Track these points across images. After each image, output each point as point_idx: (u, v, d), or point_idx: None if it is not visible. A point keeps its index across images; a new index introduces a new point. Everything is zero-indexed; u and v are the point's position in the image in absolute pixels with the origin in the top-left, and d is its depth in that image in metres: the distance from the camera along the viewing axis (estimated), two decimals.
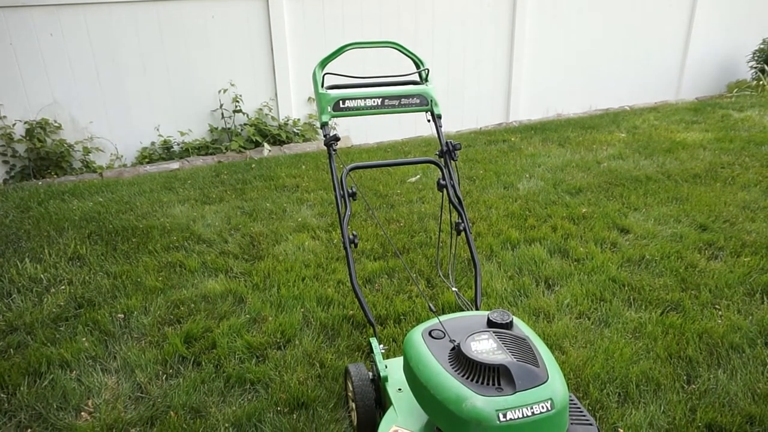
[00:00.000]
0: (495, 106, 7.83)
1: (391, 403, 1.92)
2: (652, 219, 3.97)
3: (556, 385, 1.54)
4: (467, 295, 3.03)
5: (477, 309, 2.26)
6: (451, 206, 2.43)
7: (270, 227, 4.00)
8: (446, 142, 2.46)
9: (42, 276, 3.34)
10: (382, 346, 2.15)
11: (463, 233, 2.40)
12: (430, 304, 2.32)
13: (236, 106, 6.25)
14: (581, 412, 1.79)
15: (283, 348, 2.70)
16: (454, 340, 1.70)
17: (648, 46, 8.43)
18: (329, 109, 2.39)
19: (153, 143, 6.11)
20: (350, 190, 2.29)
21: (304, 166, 5.41)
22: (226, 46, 6.11)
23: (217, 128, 6.31)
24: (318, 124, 5.75)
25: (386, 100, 2.43)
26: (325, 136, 2.40)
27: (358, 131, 6.70)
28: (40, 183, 5.21)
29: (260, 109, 6.45)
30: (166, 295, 3.14)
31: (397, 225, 4.03)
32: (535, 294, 3.08)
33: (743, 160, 5.17)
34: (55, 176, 5.48)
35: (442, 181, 2.43)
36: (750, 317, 2.83)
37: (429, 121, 2.55)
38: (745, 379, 2.40)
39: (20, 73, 5.38)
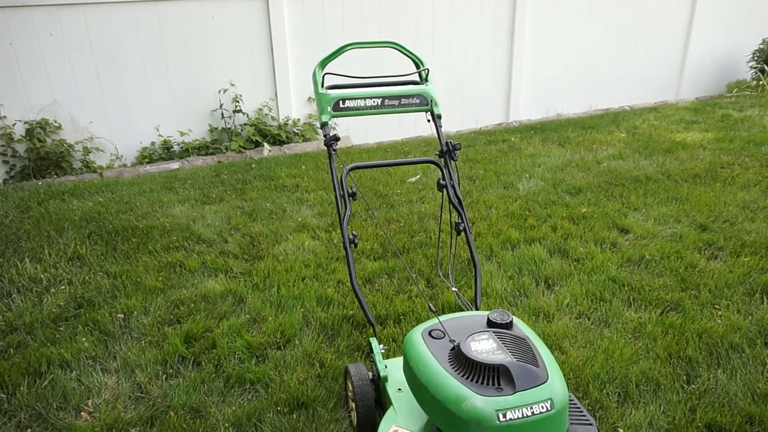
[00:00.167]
0: (495, 106, 7.83)
1: (390, 403, 1.92)
2: (651, 219, 3.97)
3: (555, 385, 1.54)
4: (467, 295, 3.03)
5: (477, 309, 2.26)
6: (451, 206, 2.43)
7: (270, 227, 4.00)
8: (446, 142, 2.46)
9: (42, 276, 3.34)
10: (382, 346, 2.14)
11: (463, 233, 2.40)
12: (430, 304, 2.32)
13: (236, 106, 6.25)
14: (581, 412, 1.79)
15: (283, 348, 2.70)
16: (454, 340, 1.70)
17: (648, 46, 8.43)
18: (329, 109, 2.39)
19: (153, 143, 6.11)
20: (350, 190, 2.29)
21: (304, 166, 5.41)
22: (226, 46, 6.12)
23: (217, 128, 6.31)
24: (318, 124, 5.76)
25: (386, 100, 2.43)
26: (325, 136, 2.40)
27: (358, 131, 6.71)
28: (40, 183, 5.21)
29: (260, 109, 6.45)
30: (166, 295, 3.14)
31: (397, 225, 4.03)
32: (535, 294, 3.08)
33: (743, 160, 5.17)
34: (55, 176, 5.48)
35: (442, 181, 2.43)
36: (750, 317, 2.83)
37: (429, 121, 2.55)
38: (744, 379, 2.40)
39: (20, 73, 5.38)
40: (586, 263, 3.38)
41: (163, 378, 2.51)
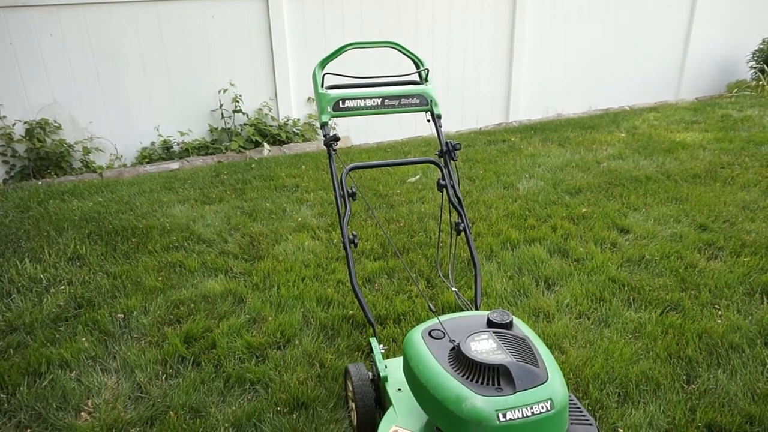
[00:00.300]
0: (495, 106, 7.83)
1: (390, 403, 1.92)
2: (651, 219, 3.97)
3: (555, 385, 1.54)
4: (467, 295, 3.03)
5: (477, 309, 2.26)
6: (451, 206, 2.43)
7: (270, 227, 4.00)
8: (446, 142, 2.46)
9: (42, 276, 3.34)
10: (381, 346, 2.14)
11: (462, 233, 2.40)
12: (430, 304, 2.32)
13: (236, 106, 6.25)
14: (581, 412, 1.79)
15: (282, 348, 2.70)
16: (454, 340, 1.70)
17: (648, 46, 8.43)
18: (329, 109, 2.39)
19: (153, 143, 6.11)
20: (350, 190, 2.29)
21: (303, 166, 5.41)
22: (226, 46, 6.12)
23: (217, 128, 6.31)
24: (318, 124, 5.76)
25: (386, 100, 2.43)
26: (324, 136, 2.40)
27: (358, 131, 6.71)
28: (39, 183, 5.21)
29: (260, 109, 6.45)
30: (165, 295, 3.14)
31: (397, 225, 4.03)
32: (534, 294, 3.08)
33: (743, 160, 5.17)
34: (54, 176, 5.48)
35: (441, 181, 2.43)
36: (750, 317, 2.83)
37: (429, 121, 2.55)
38: (744, 379, 2.40)
39: (20, 73, 5.38)
40: (586, 263, 3.38)
41: (163, 378, 2.51)
